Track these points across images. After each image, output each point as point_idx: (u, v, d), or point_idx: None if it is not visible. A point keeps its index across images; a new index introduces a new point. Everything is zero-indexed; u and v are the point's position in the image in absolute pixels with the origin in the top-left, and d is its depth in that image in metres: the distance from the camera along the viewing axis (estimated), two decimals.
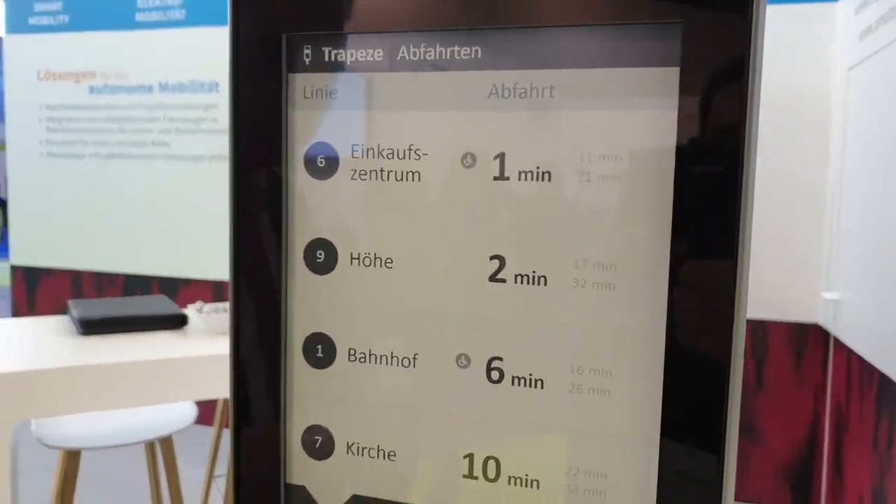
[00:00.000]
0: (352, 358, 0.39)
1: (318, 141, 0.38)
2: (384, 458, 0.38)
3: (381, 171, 0.37)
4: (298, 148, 0.38)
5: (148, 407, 2.16)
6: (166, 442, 2.11)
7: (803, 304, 3.02)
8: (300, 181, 0.38)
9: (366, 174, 0.37)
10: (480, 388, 0.36)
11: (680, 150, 0.32)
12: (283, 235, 0.38)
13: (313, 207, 0.38)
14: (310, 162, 0.38)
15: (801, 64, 2.96)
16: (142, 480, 2.56)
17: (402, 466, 0.38)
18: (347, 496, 0.39)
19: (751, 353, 3.14)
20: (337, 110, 0.37)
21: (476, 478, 0.37)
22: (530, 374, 0.36)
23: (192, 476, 2.47)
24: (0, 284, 9.35)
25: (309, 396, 0.39)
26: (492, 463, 0.37)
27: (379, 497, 0.38)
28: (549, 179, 0.34)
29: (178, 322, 1.76)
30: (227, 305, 1.83)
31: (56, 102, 4.14)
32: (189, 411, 2.11)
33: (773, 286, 3.07)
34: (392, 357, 0.38)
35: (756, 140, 0.32)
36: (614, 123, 0.33)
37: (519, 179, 0.35)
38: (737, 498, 3.15)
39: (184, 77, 3.78)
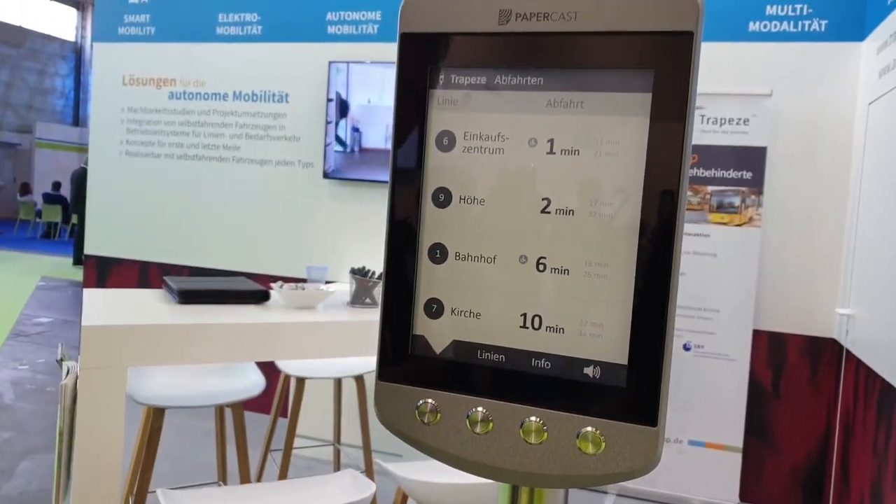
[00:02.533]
0: (457, 258, 0.65)
1: (444, 129, 0.64)
2: (474, 317, 0.65)
3: (481, 147, 0.63)
4: (433, 133, 0.65)
5: (222, 377, 2.46)
6: (237, 408, 2.40)
7: (821, 320, 3.20)
8: (432, 153, 0.65)
9: (471, 149, 0.64)
10: (532, 275, 0.63)
11: (649, 145, 0.58)
12: (421, 185, 0.65)
13: (439, 168, 0.65)
14: (439, 142, 0.65)
15: (828, 96, 3.17)
16: (208, 442, 2.85)
17: (484, 322, 0.64)
18: (450, 341, 0.65)
19: (769, 364, 3.32)
20: (456, 112, 0.64)
21: (526, 327, 0.63)
22: (562, 266, 0.62)
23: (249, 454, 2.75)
24: (58, 276, 9.81)
25: (430, 281, 0.66)
26: (536, 318, 0.63)
27: (470, 340, 0.65)
28: (578, 154, 0.61)
29: (262, 297, 2.04)
30: (303, 285, 2.12)
31: (137, 106, 4.53)
32: (259, 381, 2.40)
33: (792, 302, 3.26)
34: (481, 257, 0.64)
35: (691, 139, 0.58)
36: (616, 124, 0.59)
37: (560, 154, 0.61)
38: (751, 501, 3.32)
39: (257, 87, 4.13)
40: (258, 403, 3.37)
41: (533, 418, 0.62)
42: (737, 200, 3.17)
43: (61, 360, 1.90)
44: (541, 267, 0.62)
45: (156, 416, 2.23)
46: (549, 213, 0.62)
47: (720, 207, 3.19)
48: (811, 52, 3.24)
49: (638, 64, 0.58)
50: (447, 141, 0.65)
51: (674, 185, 0.58)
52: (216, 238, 4.36)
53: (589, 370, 0.61)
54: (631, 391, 0.60)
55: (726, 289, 3.21)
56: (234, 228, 4.29)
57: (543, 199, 0.62)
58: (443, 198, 0.65)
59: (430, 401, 0.66)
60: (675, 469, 3.32)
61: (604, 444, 0.60)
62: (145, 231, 4.59)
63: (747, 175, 3.15)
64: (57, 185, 16.49)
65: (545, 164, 0.62)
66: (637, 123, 0.59)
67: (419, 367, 0.66)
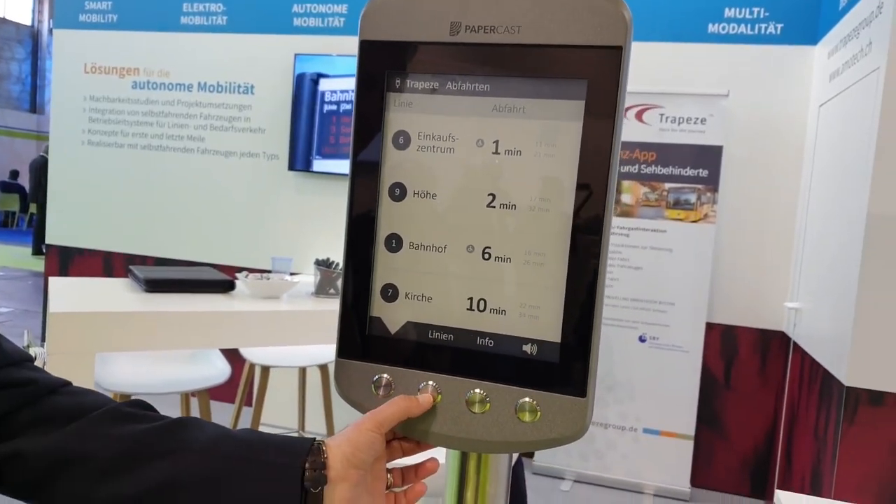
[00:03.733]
0: (411, 247, 0.72)
1: (400, 129, 0.71)
2: (426, 300, 0.71)
3: (433, 146, 0.70)
4: (390, 132, 0.71)
5: (188, 364, 2.49)
6: (203, 395, 2.43)
7: (771, 313, 3.35)
8: (389, 151, 0.71)
9: (425, 148, 0.70)
10: (479, 263, 0.69)
11: (582, 146, 0.65)
12: (379, 180, 0.72)
13: (395, 165, 0.71)
14: (395, 140, 0.71)
15: (782, 97, 3.30)
16: None
17: (435, 305, 0.71)
18: (404, 322, 0.72)
19: (721, 355, 3.46)
20: (412, 113, 0.71)
21: (473, 310, 0.70)
22: (505, 255, 0.69)
23: None
24: (17, 266, 9.61)
25: (386, 268, 0.72)
26: (482, 301, 0.70)
27: (422, 321, 0.71)
28: (520, 154, 0.68)
29: (227, 287, 2.08)
30: (268, 276, 2.16)
31: (99, 95, 4.48)
32: (224, 369, 2.44)
33: (744, 296, 3.40)
34: (433, 247, 0.71)
35: (619, 141, 0.65)
36: (553, 128, 0.66)
37: (505, 154, 0.68)
38: (702, 486, 3.47)
39: (222, 78, 4.13)
40: (224, 392, 3.40)
41: (477, 390, 0.69)
42: (693, 197, 3.28)
43: (28, 346, 1.92)
44: (486, 256, 0.69)
45: None
46: (494, 207, 0.69)
47: (677, 204, 3.31)
48: (767, 55, 3.37)
49: (573, 74, 0.65)
50: (403, 140, 0.71)
51: (602, 181, 0.65)
52: (181, 229, 4.35)
53: (527, 347, 0.69)
54: (563, 366, 0.67)
55: (681, 283, 3.33)
56: (200, 219, 4.29)
57: (489, 195, 0.69)
58: (398, 192, 0.72)
59: (385, 376, 0.72)
60: (630, 456, 3.44)
61: (539, 413, 0.68)
62: (109, 221, 4.56)
63: (703, 173, 3.27)
64: (14, 174, 16.10)
65: (491, 162, 0.69)
66: (571, 128, 0.66)
67: (376, 346, 0.73)
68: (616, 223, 3.40)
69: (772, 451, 3.39)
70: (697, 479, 3.50)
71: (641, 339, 3.40)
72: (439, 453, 0.76)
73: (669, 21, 3.49)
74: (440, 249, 0.71)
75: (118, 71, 4.46)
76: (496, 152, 0.69)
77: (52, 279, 2.06)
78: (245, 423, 2.80)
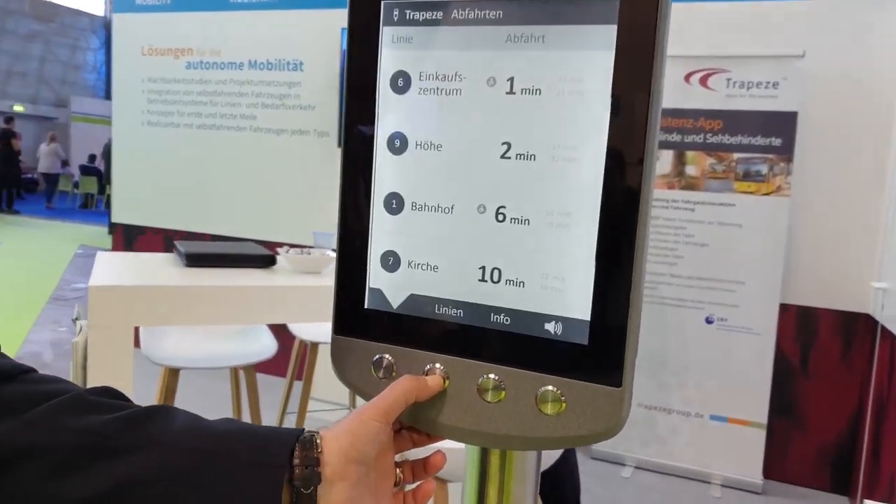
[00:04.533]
0: (414, 208, 0.61)
1: (399, 69, 0.60)
2: (431, 270, 0.61)
3: (437, 88, 0.59)
4: (387, 74, 0.61)
5: (236, 341, 2.47)
6: (250, 370, 2.41)
7: (854, 294, 3.10)
8: (386, 96, 0.61)
9: (427, 90, 0.60)
10: (491, 225, 0.59)
11: (615, 81, 0.53)
12: (375, 130, 0.61)
13: (394, 112, 0.61)
14: (393, 83, 0.60)
15: (866, 54, 3.01)
16: (220, 403, 2.87)
17: (441, 275, 0.61)
18: (407, 295, 0.62)
19: (797, 339, 3.23)
20: (412, 50, 0.60)
21: (485, 281, 0.59)
22: (522, 216, 0.57)
23: (268, 418, 2.77)
24: (94, 244, 10.00)
25: (385, 232, 0.62)
26: (496, 271, 0.59)
27: (427, 294, 0.61)
28: (540, 94, 0.56)
29: (268, 262, 2.04)
30: (310, 251, 2.10)
31: (157, 76, 4.53)
32: (271, 345, 2.41)
33: (824, 275, 3.16)
34: (438, 207, 0.60)
35: (662, 76, 0.53)
36: (578, 58, 0.54)
37: (521, 94, 0.57)
38: (776, 478, 3.26)
39: (271, 56, 4.10)
40: (276, 367, 3.39)
41: (491, 375, 0.59)
42: (764, 168, 3.05)
43: (76, 318, 1.92)
44: (500, 217, 0.58)
45: (170, 377, 2.25)
46: (509, 158, 0.58)
47: (746, 176, 3.08)
48: (847, 7, 3.07)
49: None
50: (402, 82, 0.60)
51: (641, 123, 0.53)
52: (235, 206, 4.37)
53: (550, 326, 0.57)
54: (594, 349, 0.56)
55: (752, 261, 3.11)
56: (252, 197, 4.30)
57: (503, 144, 0.58)
58: (398, 144, 0.61)
59: (386, 356, 0.62)
60: (696, 444, 3.27)
61: (564, 405, 0.56)
62: (168, 200, 4.63)
63: (776, 142, 3.03)
64: (92, 158, 16.77)
65: (505, 105, 0.57)
66: (601, 59, 0.54)
67: (375, 322, 0.63)
68: (680, 197, 3.20)
69: (856, 446, 3.15)
70: (771, 471, 3.29)
71: (708, 321, 3.21)
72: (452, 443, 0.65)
73: None
74: (447, 210, 0.60)
75: (173, 52, 4.49)
76: (511, 92, 0.57)
77: (99, 253, 2.06)
78: (296, 398, 2.77)
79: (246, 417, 2.53)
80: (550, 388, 0.57)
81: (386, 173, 0.62)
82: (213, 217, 4.44)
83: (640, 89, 0.53)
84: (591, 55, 0.54)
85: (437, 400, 0.61)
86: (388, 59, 0.60)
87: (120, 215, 4.82)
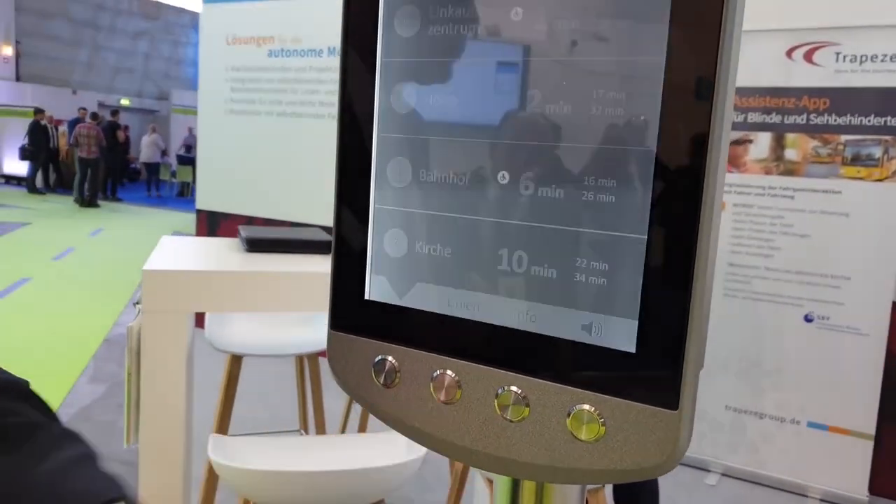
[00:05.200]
0: (421, 177, 0.50)
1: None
2: (442, 254, 0.49)
3: (449, 23, 0.47)
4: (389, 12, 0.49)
5: (300, 327, 2.43)
6: (313, 358, 2.37)
7: None
8: (390, 33, 0.49)
9: (437, 25, 0.48)
10: (515, 198, 0.46)
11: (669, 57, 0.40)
12: (374, 77, 0.50)
13: (397, 56, 0.49)
14: (397, 21, 0.49)
15: None
16: (290, 390, 2.86)
17: (454, 261, 0.49)
18: (413, 284, 0.51)
19: None
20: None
21: (507, 269, 0.47)
22: (553, 187, 0.45)
23: (334, 406, 2.73)
24: (187, 231, 10.45)
25: (388, 208, 0.51)
26: (519, 256, 0.46)
27: (436, 284, 0.50)
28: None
29: (329, 248, 1.97)
30: None
31: (240, 65, 4.59)
32: None
33: None
34: (451, 176, 0.49)
35: (733, 53, 0.39)
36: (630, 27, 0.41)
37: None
38: (884, 495, 2.96)
39: None
40: None
41: (513, 388, 0.47)
42: (877, 151, 2.75)
43: (137, 303, 1.91)
44: (526, 186, 0.46)
45: (233, 363, 2.24)
46: (538, 112, 0.45)
47: (856, 160, 2.78)
48: None
49: None
50: (408, 20, 0.49)
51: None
52: (313, 193, 4.39)
53: (587, 328, 0.45)
54: (643, 359, 0.43)
55: (860, 254, 2.82)
56: (331, 184, 4.29)
57: (531, 91, 0.45)
58: (403, 101, 0.50)
59: (389, 358, 0.51)
60: (791, 453, 3.01)
61: (603, 429, 0.44)
62: (250, 186, 4.70)
63: (893, 121, 2.72)
64: (189, 148, 17.52)
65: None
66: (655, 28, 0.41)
67: (378, 316, 0.52)
68: (778, 183, 2.94)
69: None
70: (878, 487, 2.99)
71: (808, 319, 2.94)
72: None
73: None
74: (459, 180, 0.48)
75: (256, 41, 4.54)
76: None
77: (164, 238, 2.05)
78: None
79: (310, 405, 2.49)
80: (586, 406, 0.44)
81: (388, 135, 0.50)
82: (293, 203, 4.47)
83: (703, 74, 0.40)
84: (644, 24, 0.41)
85: (447, 414, 0.49)
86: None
87: (204, 202, 4.93)
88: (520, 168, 0.46)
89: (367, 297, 0.52)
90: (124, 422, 1.74)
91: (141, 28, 20.97)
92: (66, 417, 3.46)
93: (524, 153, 0.46)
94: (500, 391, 0.47)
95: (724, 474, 3.14)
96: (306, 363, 2.49)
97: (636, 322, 0.43)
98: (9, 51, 17.22)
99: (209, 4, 4.77)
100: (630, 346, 0.43)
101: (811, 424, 2.97)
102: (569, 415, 0.45)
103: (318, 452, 1.65)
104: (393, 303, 0.51)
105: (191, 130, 18.30)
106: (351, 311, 0.53)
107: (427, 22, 0.49)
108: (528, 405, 0.46)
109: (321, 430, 2.42)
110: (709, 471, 3.16)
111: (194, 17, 22.55)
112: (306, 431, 2.67)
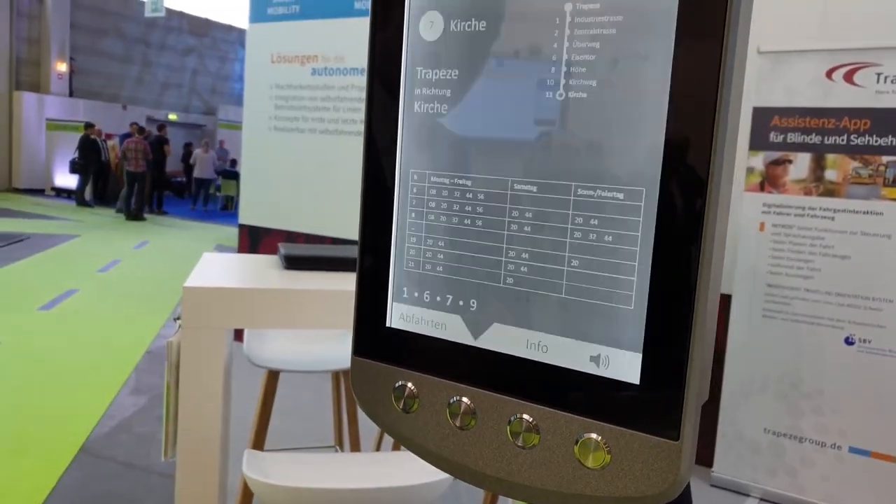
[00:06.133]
0: (433, 217, 0.53)
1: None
2: (461, 290, 0.52)
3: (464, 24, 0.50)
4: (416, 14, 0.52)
5: (338, 343, 2.47)
6: (348, 374, 2.40)
7: None
8: (413, 36, 0.53)
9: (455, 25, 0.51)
10: (526, 232, 0.49)
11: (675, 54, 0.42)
12: (400, 95, 0.53)
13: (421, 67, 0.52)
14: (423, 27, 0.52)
15: None
16: (326, 405, 2.91)
17: (471, 292, 0.51)
18: (433, 313, 0.53)
19: None
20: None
21: (519, 299, 0.49)
22: (561, 223, 0.47)
23: (369, 422, 2.76)
24: (230, 244, 10.63)
25: (410, 230, 0.54)
26: (523, 269, 0.49)
27: (453, 313, 0.52)
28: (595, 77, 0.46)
29: None
30: None
31: (284, 83, 4.70)
32: None
33: None
34: (456, 190, 0.51)
35: (738, 38, 0.41)
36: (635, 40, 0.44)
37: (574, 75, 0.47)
38: None
39: None
40: None
41: (524, 416, 0.49)
42: None
43: (177, 318, 1.98)
44: (532, 221, 0.49)
45: (270, 379, 2.28)
46: (549, 136, 0.48)
47: None
48: None
49: None
50: (433, 24, 0.52)
51: (708, 115, 0.42)
52: (355, 210, 4.43)
53: (595, 359, 0.47)
54: (646, 391, 0.45)
55: None
56: None
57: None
58: (423, 115, 0.53)
59: (409, 384, 0.54)
60: (832, 478, 2.94)
61: (609, 458, 0.46)
62: (292, 202, 4.79)
63: None
64: (233, 162, 17.89)
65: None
66: (660, 44, 0.43)
67: (398, 344, 0.55)
68: (818, 204, 2.89)
69: None
70: None
71: (848, 342, 2.87)
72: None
73: None
74: (468, 196, 0.51)
75: (300, 59, 4.65)
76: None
77: (205, 254, 2.12)
78: None
79: (345, 421, 2.53)
80: (593, 435, 0.47)
81: (410, 148, 0.54)
82: (335, 219, 4.55)
83: (706, 76, 0.42)
84: (650, 38, 0.43)
85: (461, 439, 0.52)
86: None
87: (247, 217, 5.04)
88: (529, 203, 0.49)
89: (388, 324, 0.55)
90: (163, 435, 1.80)
91: (190, 44, 21.58)
92: (107, 428, 3.57)
93: (535, 191, 0.49)
94: (512, 419, 0.49)
95: (762, 499, 3.08)
96: (342, 379, 2.53)
97: (640, 355, 0.45)
98: (63, 67, 17.88)
99: (256, 24, 4.91)
100: (635, 379, 0.45)
101: (853, 450, 2.90)
102: (577, 443, 0.47)
103: (352, 469, 1.68)
104: (413, 331, 0.54)
105: (222, 144, 18.71)
106: (372, 338, 0.56)
107: (448, 33, 0.52)
108: (538, 432, 0.48)
109: (356, 446, 2.45)
110: (748, 495, 3.10)
111: (241, 33, 23.11)
112: (341, 447, 2.71)
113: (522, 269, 0.50)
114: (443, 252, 0.53)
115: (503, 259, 0.50)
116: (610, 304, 0.46)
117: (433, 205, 0.53)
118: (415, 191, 0.53)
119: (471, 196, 0.51)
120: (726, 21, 0.41)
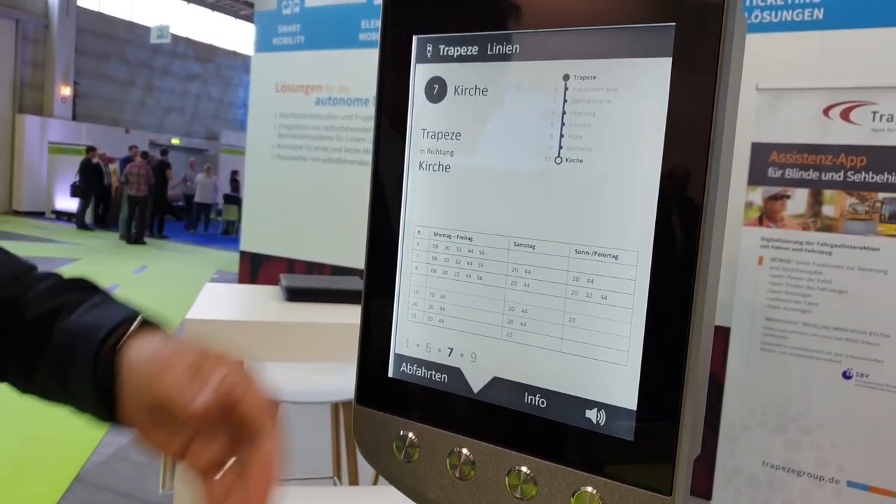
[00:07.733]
0: (437, 272, 0.54)
1: (434, 76, 0.54)
2: (457, 332, 0.54)
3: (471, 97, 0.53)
4: (420, 83, 0.55)
5: (336, 375, 2.48)
6: (349, 406, 2.40)
7: None
8: (418, 100, 0.55)
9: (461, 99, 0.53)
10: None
11: (668, 124, 0.44)
12: (406, 148, 0.55)
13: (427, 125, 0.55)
14: (428, 91, 0.54)
15: None
16: (325, 437, 2.89)
17: (472, 345, 0.53)
18: (432, 365, 0.55)
19: None
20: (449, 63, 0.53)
21: (518, 353, 0.51)
22: (555, 282, 0.49)
23: None
24: (230, 270, 10.64)
25: (415, 282, 0.56)
26: (525, 323, 0.50)
27: (454, 365, 0.54)
28: (594, 115, 0.48)
29: None
30: None
31: (287, 112, 4.76)
32: None
33: None
34: (464, 247, 0.53)
35: (727, 111, 0.43)
36: (630, 95, 0.46)
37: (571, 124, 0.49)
38: None
39: None
40: None
41: (523, 468, 0.50)
42: None
43: None
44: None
45: None
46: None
47: (893, 218, 2.76)
48: None
49: (657, 17, 0.45)
50: (437, 89, 0.54)
51: (699, 176, 0.44)
52: (357, 239, 4.46)
53: (591, 414, 0.48)
54: (640, 447, 0.46)
55: None
56: None
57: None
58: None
59: (410, 434, 0.56)
60: None
61: None
62: (293, 230, 4.81)
63: None
64: (235, 187, 17.97)
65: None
66: (654, 106, 0.45)
67: (399, 394, 0.57)
68: (816, 239, 2.92)
69: None
70: None
71: (846, 376, 2.88)
72: None
73: (885, 2, 2.94)
74: (469, 238, 0.53)
75: (304, 88, 4.71)
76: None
77: (207, 284, 2.13)
78: None
79: (344, 452, 2.52)
80: (589, 488, 0.48)
81: (415, 203, 0.56)
82: (336, 248, 4.57)
83: (701, 114, 0.44)
84: (644, 89, 0.46)
85: (462, 490, 0.53)
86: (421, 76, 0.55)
87: (248, 244, 5.07)
88: (528, 260, 0.51)
89: (390, 375, 0.57)
90: (160, 466, 1.80)
91: (194, 70, 21.78)
92: (103, 458, 3.54)
93: (534, 249, 0.50)
94: (511, 471, 0.51)
95: None
96: (341, 410, 2.52)
97: (634, 413, 0.47)
98: (67, 91, 18.02)
99: (260, 54, 4.98)
100: (629, 436, 0.47)
101: (851, 484, 2.88)
102: (573, 495, 0.48)
103: (350, 502, 1.67)
104: (414, 382, 0.56)
105: (235, 175, 18.78)
106: (375, 387, 0.58)
107: (451, 98, 0.54)
108: (536, 484, 0.50)
109: (353, 478, 2.44)
110: None
111: (246, 59, 23.33)
112: (339, 479, 2.69)
113: (522, 323, 0.51)
114: (445, 305, 0.54)
115: (503, 313, 0.52)
116: (605, 361, 0.48)
117: (436, 259, 0.55)
118: (418, 245, 0.55)
119: (472, 252, 0.53)
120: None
